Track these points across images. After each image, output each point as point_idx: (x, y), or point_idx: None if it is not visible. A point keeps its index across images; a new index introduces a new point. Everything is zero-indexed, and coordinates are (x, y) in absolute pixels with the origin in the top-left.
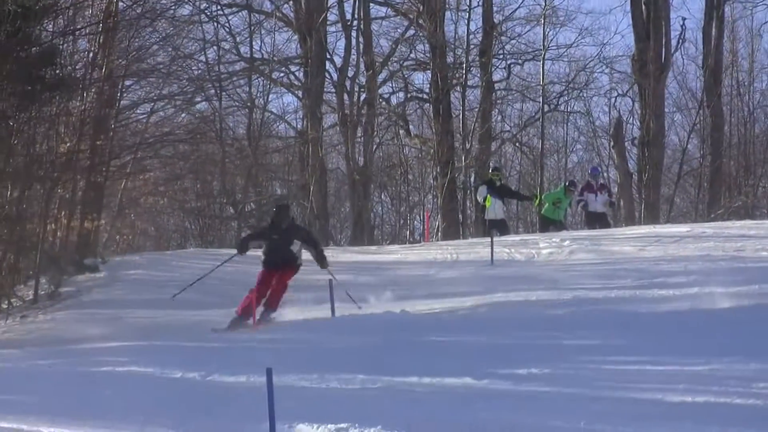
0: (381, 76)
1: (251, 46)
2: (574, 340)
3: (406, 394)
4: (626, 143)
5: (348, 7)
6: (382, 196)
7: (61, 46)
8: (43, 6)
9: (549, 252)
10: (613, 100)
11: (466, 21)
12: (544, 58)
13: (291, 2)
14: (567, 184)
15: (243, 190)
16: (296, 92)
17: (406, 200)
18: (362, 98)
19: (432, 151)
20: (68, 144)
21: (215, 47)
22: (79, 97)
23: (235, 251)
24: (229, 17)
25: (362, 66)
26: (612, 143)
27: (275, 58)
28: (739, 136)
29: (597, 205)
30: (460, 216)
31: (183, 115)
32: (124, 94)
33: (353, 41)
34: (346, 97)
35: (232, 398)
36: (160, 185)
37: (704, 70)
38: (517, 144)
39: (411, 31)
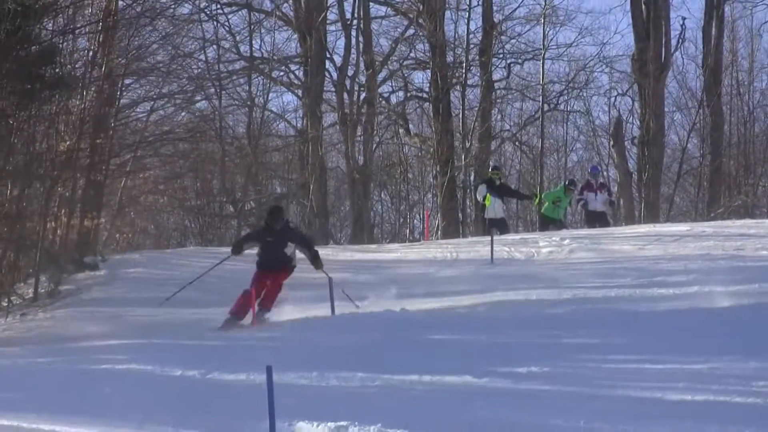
0: (381, 75)
1: (251, 45)
2: (573, 338)
3: (405, 392)
4: (626, 142)
5: (348, 6)
6: (382, 195)
7: (60, 45)
8: (42, 4)
9: (549, 251)
10: (612, 99)
11: (465, 20)
12: (543, 58)
13: (291, 1)
14: (567, 183)
15: (243, 188)
16: (296, 91)
17: (406, 199)
18: (362, 97)
19: (432, 150)
20: (68, 142)
21: (215, 46)
22: (79, 95)
23: (229, 253)
24: (229, 16)
25: (362, 65)
26: (612, 142)
27: (275, 57)
28: (739, 136)
29: (597, 204)
30: (460, 215)
31: (183, 113)
32: (124, 93)
33: (353, 40)
34: (345, 96)
35: (232, 396)
36: (159, 184)
37: (704, 70)
38: (516, 143)
39: (411, 31)
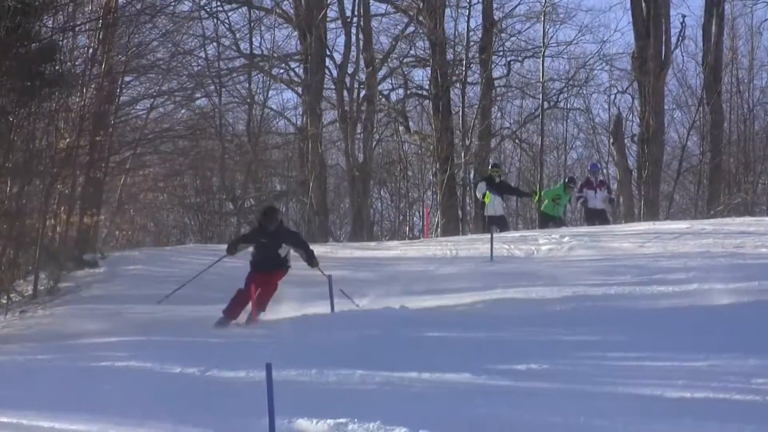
0: (381, 73)
1: (251, 43)
2: (573, 336)
3: (405, 389)
4: (626, 140)
5: (348, 4)
6: (382, 193)
7: (60, 42)
8: (42, 2)
9: (548, 248)
10: (612, 96)
11: (465, 18)
12: (543, 55)
13: None
14: (566, 180)
15: (242, 186)
16: (296, 89)
17: (406, 196)
18: (362, 95)
19: (431, 147)
20: (68, 140)
21: (215, 43)
22: (79, 93)
23: (224, 252)
24: (229, 13)
25: (362, 63)
26: (612, 140)
27: (275, 55)
28: (739, 133)
29: (596, 202)
30: (460, 212)
31: (183, 111)
32: (124, 90)
33: (353, 38)
34: (345, 93)
35: (232, 393)
36: (159, 181)
37: (704, 68)
38: (516, 141)
39: (411, 28)
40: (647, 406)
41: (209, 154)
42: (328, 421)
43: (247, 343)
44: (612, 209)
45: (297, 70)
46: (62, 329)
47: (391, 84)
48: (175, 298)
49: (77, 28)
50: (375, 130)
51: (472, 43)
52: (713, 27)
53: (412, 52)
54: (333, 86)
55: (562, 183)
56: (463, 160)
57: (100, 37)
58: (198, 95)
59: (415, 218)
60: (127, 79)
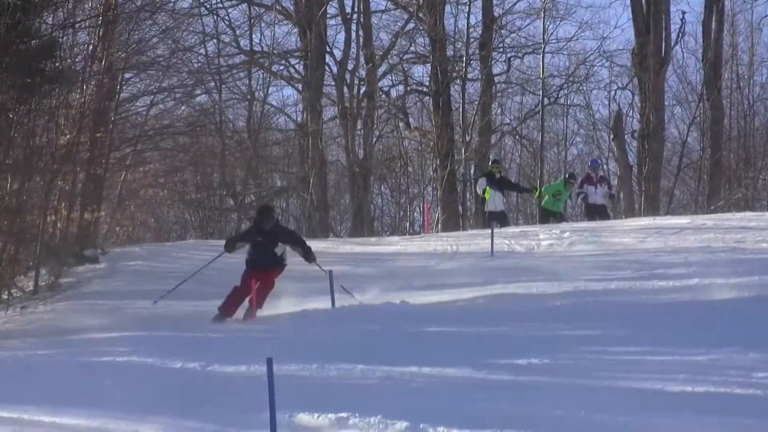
0: (381, 69)
1: (251, 39)
2: (573, 331)
3: (405, 384)
4: (626, 136)
5: (348, 1)
6: (382, 188)
7: (60, 39)
8: None
9: (549, 243)
10: (612, 93)
11: (465, 14)
12: (544, 52)
13: None
14: (567, 176)
15: (243, 182)
16: (296, 85)
17: (406, 192)
18: (362, 91)
19: (432, 143)
20: (68, 136)
21: (215, 40)
22: (79, 89)
23: (222, 250)
24: (229, 10)
25: (362, 59)
26: (612, 136)
27: (275, 51)
28: (739, 129)
29: (597, 197)
30: (460, 208)
31: (183, 107)
32: (124, 87)
33: (353, 34)
34: (345, 89)
35: (233, 388)
36: (160, 177)
37: (704, 64)
38: (516, 137)
39: (411, 25)
40: (648, 400)
41: (209, 150)
42: (329, 415)
43: (247, 338)
44: (612, 205)
45: (297, 66)
46: (63, 325)
47: (392, 80)
48: (176, 293)
49: (77, 25)
50: (375, 126)
51: (472, 40)
52: (713, 23)
53: (412, 48)
54: (333, 83)
55: (562, 179)
56: (463, 156)
57: (100, 33)
58: (198, 92)
59: (415, 214)
60: (127, 75)
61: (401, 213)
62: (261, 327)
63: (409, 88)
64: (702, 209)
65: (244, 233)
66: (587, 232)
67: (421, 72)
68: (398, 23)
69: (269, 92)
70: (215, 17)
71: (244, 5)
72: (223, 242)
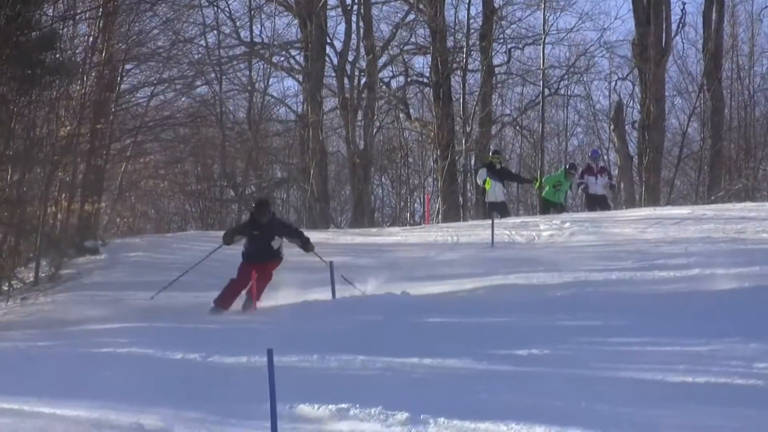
0: (381, 60)
1: (251, 31)
2: (574, 321)
3: (406, 375)
4: (626, 127)
5: None
6: (383, 179)
7: (61, 31)
8: None
9: (549, 234)
10: (613, 83)
11: (466, 5)
12: (544, 43)
13: None
14: (567, 167)
15: (243, 173)
16: (296, 76)
17: (407, 183)
18: (362, 82)
19: (432, 134)
20: (68, 127)
21: (215, 31)
22: (79, 81)
23: (221, 242)
24: (229, 1)
25: (362, 50)
26: (612, 127)
27: (275, 43)
28: (739, 120)
29: (597, 188)
30: (461, 199)
31: (183, 98)
32: (125, 78)
33: (353, 26)
34: (346, 81)
35: (233, 379)
36: (160, 168)
37: (704, 54)
38: (517, 127)
39: (411, 16)
40: (648, 390)
41: (210, 141)
42: (330, 406)
43: (248, 329)
44: (613, 195)
45: (297, 57)
46: (63, 316)
47: (392, 71)
48: (176, 284)
49: (77, 17)
50: (375, 117)
51: (472, 31)
52: (713, 14)
53: (412, 39)
54: (333, 74)
55: (563, 169)
56: (463, 147)
57: (101, 25)
58: (198, 83)
59: (416, 205)
60: (127, 67)
61: (402, 204)
62: (261, 318)
63: (409, 79)
64: (702, 200)
65: (240, 227)
66: (588, 222)
67: (421, 63)
68: (398, 14)
69: (270, 83)
70: (215, 8)
71: None
72: (222, 233)
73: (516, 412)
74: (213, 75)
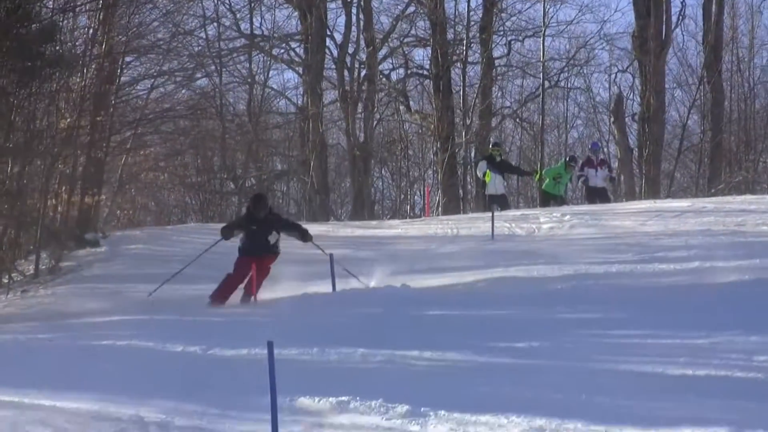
0: (381, 53)
1: (251, 23)
2: (574, 314)
3: (406, 368)
4: (626, 119)
5: None
6: (383, 172)
7: (61, 23)
8: None
9: (549, 227)
10: (613, 76)
11: None
12: (544, 35)
13: None
14: (567, 159)
15: (243, 165)
16: (296, 68)
17: (407, 175)
18: (362, 74)
19: (432, 126)
20: (68, 120)
21: (215, 24)
22: (80, 73)
23: (219, 237)
24: None
25: (362, 42)
26: (612, 119)
27: (275, 35)
28: (740, 112)
29: (597, 180)
30: (461, 191)
31: (183, 91)
32: (125, 71)
33: (353, 18)
34: (346, 73)
35: (233, 372)
36: (160, 161)
37: (704, 47)
38: (517, 120)
39: (411, 8)
40: (649, 383)
41: (210, 133)
42: (330, 399)
43: (248, 321)
44: (613, 188)
45: (297, 50)
46: (64, 308)
47: (392, 64)
48: (177, 277)
49: (77, 9)
50: (376, 109)
51: (472, 23)
52: (713, 6)
53: (412, 31)
54: (333, 66)
55: (563, 162)
56: (463, 139)
57: (101, 17)
58: (198, 75)
59: (416, 197)
60: (127, 59)
61: (402, 196)
62: (262, 311)
63: (409, 72)
64: (702, 192)
65: (238, 221)
66: (588, 215)
67: (421, 55)
68: (399, 6)
69: (270, 76)
70: (215, 1)
71: None
72: (222, 225)
73: (516, 405)
74: (213, 67)
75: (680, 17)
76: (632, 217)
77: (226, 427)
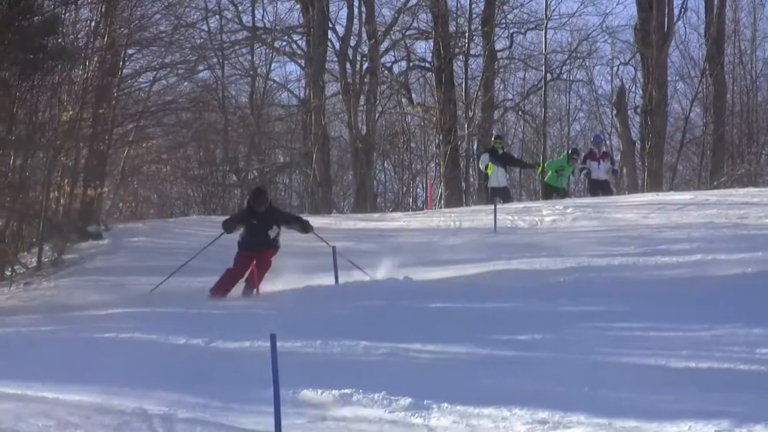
0: (383, 45)
1: (253, 15)
2: (576, 306)
3: (409, 360)
4: (629, 111)
5: None
6: (385, 164)
7: (63, 15)
8: None
9: (552, 219)
10: (615, 68)
11: None
12: (546, 28)
13: None
14: (570, 152)
15: (246, 158)
16: (298, 61)
17: (409, 168)
18: (365, 67)
19: (434, 119)
20: (71, 112)
21: (217, 16)
22: (82, 65)
23: (222, 231)
24: None
25: (364, 35)
26: (615, 111)
27: (277, 27)
28: (742, 105)
29: (599, 173)
30: (463, 184)
31: (185, 83)
32: (127, 63)
33: (355, 10)
34: (348, 65)
35: (236, 364)
36: (162, 153)
37: (707, 39)
38: (519, 112)
39: (413, 0)
40: (651, 375)
41: (212, 126)
42: (333, 391)
43: (251, 314)
44: (615, 180)
45: (299, 42)
46: (66, 301)
47: (394, 56)
48: (181, 269)
49: (79, 1)
50: (378, 102)
51: (474, 16)
52: None
53: (414, 24)
54: (335, 59)
55: (565, 154)
56: (466, 132)
57: (103, 10)
58: (201, 68)
59: (418, 190)
60: (129, 52)
61: (404, 189)
62: (264, 303)
63: (411, 64)
64: (705, 185)
65: (239, 215)
66: (590, 207)
67: (423, 48)
68: None
69: (272, 68)
70: None
71: None
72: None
73: (519, 398)
74: (215, 60)
75: (682, 10)
76: (635, 209)
77: (229, 419)
